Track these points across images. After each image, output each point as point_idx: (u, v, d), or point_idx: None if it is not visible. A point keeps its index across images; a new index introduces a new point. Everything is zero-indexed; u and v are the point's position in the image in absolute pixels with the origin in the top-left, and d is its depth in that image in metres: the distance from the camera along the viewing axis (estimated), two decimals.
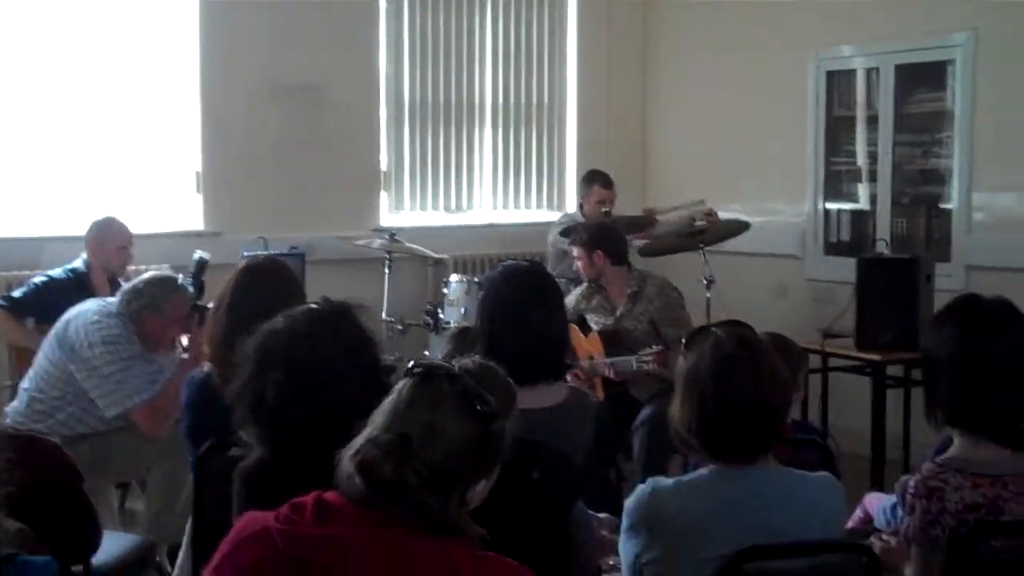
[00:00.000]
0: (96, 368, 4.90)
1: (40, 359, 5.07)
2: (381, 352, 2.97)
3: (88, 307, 5.11)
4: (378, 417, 2.23)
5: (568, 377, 5.53)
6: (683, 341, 2.98)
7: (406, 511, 2.12)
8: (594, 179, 7.86)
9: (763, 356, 2.84)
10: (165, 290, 5.09)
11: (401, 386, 2.24)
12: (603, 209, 7.67)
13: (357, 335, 2.90)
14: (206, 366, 3.95)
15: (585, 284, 6.41)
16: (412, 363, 2.29)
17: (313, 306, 2.97)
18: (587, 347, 6.15)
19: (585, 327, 6.31)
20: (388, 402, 2.24)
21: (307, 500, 2.17)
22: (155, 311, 5.02)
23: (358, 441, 2.19)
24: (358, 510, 2.13)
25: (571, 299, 6.39)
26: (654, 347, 5.71)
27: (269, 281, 3.99)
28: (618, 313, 6.23)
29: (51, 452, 3.41)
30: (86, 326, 4.96)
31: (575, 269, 6.56)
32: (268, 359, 2.84)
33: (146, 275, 5.29)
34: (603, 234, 6.35)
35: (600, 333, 6.19)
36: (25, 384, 5.11)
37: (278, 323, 2.90)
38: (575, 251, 6.38)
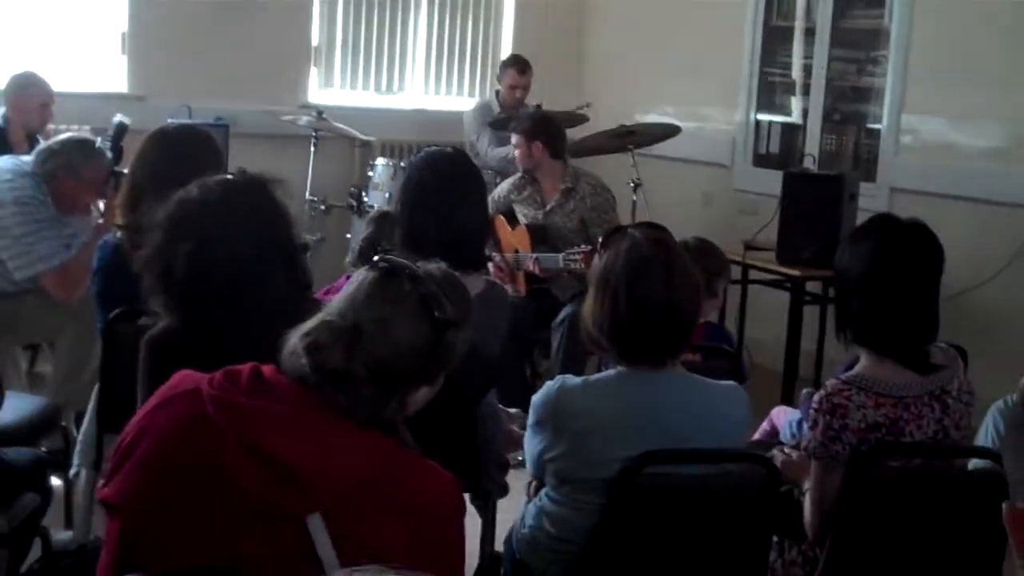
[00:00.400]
0: (7, 228, 4.80)
1: None
2: (295, 229, 2.93)
3: (2, 164, 4.99)
4: (335, 304, 2.20)
5: (490, 268, 5.56)
6: (599, 241, 2.97)
7: (346, 400, 2.10)
8: (509, 63, 7.89)
9: (677, 260, 2.84)
10: (83, 153, 4.97)
11: (363, 277, 2.21)
12: (516, 95, 7.72)
13: (272, 209, 2.85)
14: (118, 232, 3.88)
15: (519, 175, 6.36)
16: (377, 257, 2.25)
17: (228, 177, 2.91)
18: (513, 240, 6.13)
19: (513, 219, 6.28)
20: (347, 291, 2.21)
21: (243, 369, 2.15)
22: (71, 173, 4.91)
23: (312, 322, 2.17)
24: (295, 389, 2.11)
25: (503, 188, 6.38)
26: (582, 246, 5.70)
27: (186, 147, 3.90)
28: (548, 207, 6.19)
29: None
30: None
31: (505, 158, 6.51)
32: (179, 228, 2.78)
33: (63, 136, 5.17)
34: (545, 125, 6.27)
35: (528, 227, 6.16)
36: None
37: (191, 192, 2.84)
38: (513, 139, 6.31)
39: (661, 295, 2.78)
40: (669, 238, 2.91)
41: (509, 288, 6.02)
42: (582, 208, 6.10)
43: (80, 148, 4.99)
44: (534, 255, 5.91)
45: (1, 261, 4.83)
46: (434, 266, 2.29)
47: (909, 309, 3.01)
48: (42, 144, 5.16)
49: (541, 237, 6.07)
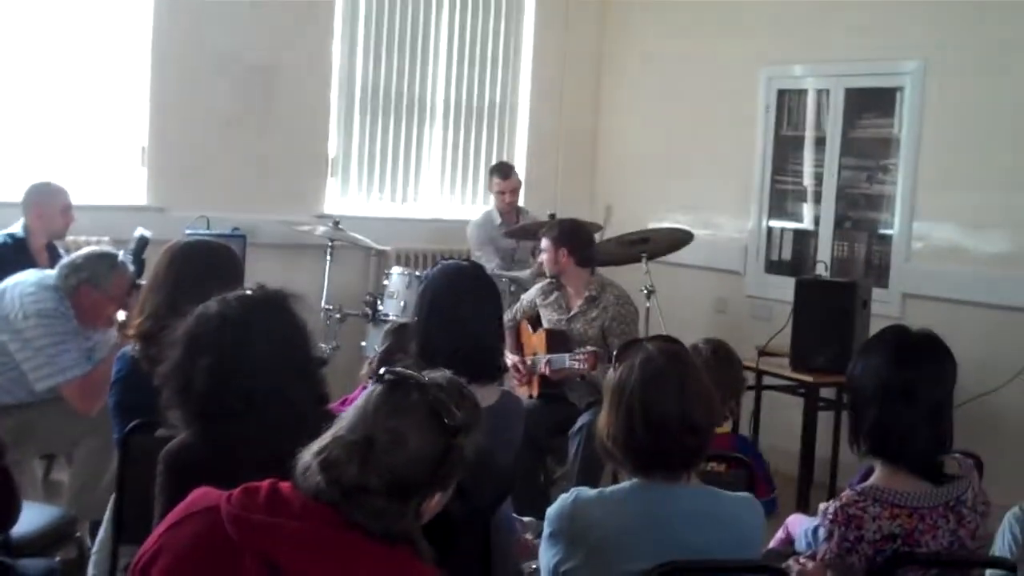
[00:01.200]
0: (29, 340, 4.84)
1: None
2: (314, 344, 2.97)
3: (26, 278, 5.05)
4: (345, 418, 2.23)
5: (509, 366, 5.63)
6: (614, 353, 2.99)
7: (362, 514, 2.12)
8: (493, 171, 8.14)
9: (691, 373, 2.86)
10: (105, 266, 5.03)
11: (371, 390, 2.25)
12: (506, 199, 7.91)
13: (290, 325, 2.90)
14: (136, 344, 3.92)
15: (547, 280, 6.41)
16: (384, 369, 2.29)
17: (248, 292, 2.96)
18: (533, 343, 6.16)
19: (537, 323, 6.36)
20: (357, 404, 2.24)
21: (261, 486, 2.18)
22: (94, 286, 4.97)
23: (324, 439, 2.20)
24: (312, 505, 2.13)
25: (532, 292, 6.47)
26: (588, 348, 5.73)
27: (202, 262, 3.95)
28: (571, 313, 6.21)
29: None
30: (22, 297, 4.90)
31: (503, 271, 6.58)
32: (198, 343, 2.82)
33: (86, 250, 5.23)
34: (572, 234, 6.30)
35: (547, 331, 6.20)
36: None
37: (211, 307, 2.88)
38: (543, 243, 6.33)
39: (675, 410, 2.80)
40: (684, 351, 2.94)
41: (524, 391, 6.05)
42: (604, 317, 6.11)
43: (103, 262, 5.04)
44: (546, 357, 5.94)
45: (23, 372, 4.87)
46: (439, 374, 2.32)
47: (922, 421, 3.02)
48: (66, 258, 5.22)
49: (559, 341, 6.09)
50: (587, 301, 6.18)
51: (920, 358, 3.07)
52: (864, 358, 3.18)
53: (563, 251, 6.20)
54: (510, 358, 6.01)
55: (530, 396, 6.05)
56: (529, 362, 6.07)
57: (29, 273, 5.13)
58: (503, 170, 8.04)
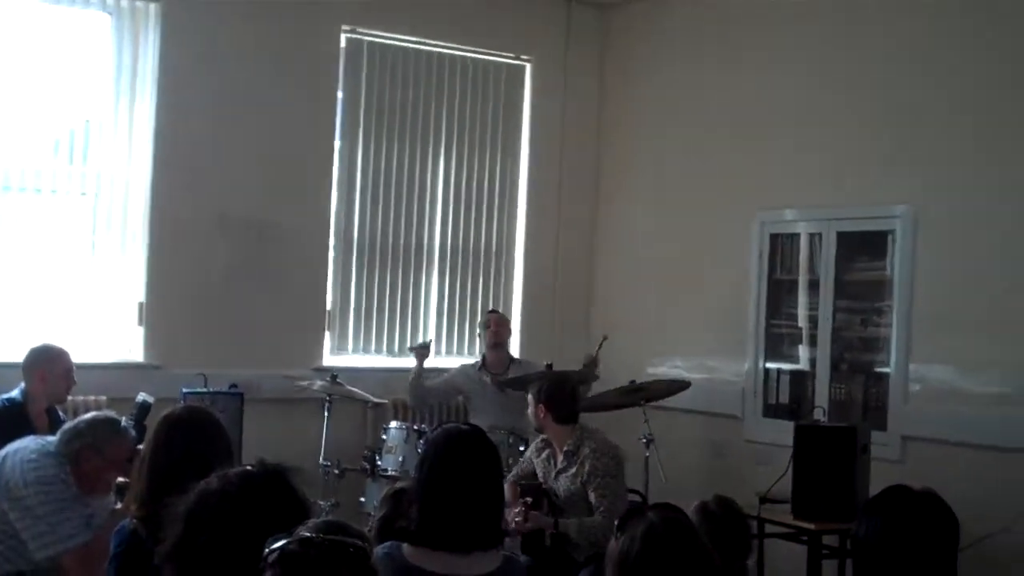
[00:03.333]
0: (30, 508, 4.79)
1: None
2: (314, 519, 2.95)
3: (27, 444, 5.02)
4: None
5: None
6: (616, 523, 2.97)
7: None
8: (482, 320, 8.31)
9: (694, 544, 2.84)
10: (107, 432, 5.00)
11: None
12: (491, 331, 8.05)
13: (291, 502, 2.88)
14: (133, 519, 3.90)
15: (540, 437, 6.50)
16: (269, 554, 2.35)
17: (248, 468, 2.95)
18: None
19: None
20: None
21: None
22: (95, 452, 4.93)
23: None
24: None
25: (532, 448, 6.54)
26: (522, 500, 5.88)
27: (190, 434, 3.95)
28: (557, 469, 6.26)
29: None
30: (22, 463, 4.87)
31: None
32: (199, 522, 2.81)
33: (90, 415, 5.19)
34: (552, 391, 6.38)
35: (518, 485, 6.27)
36: None
37: (212, 484, 2.87)
38: (528, 397, 6.47)
39: None
40: (685, 520, 2.93)
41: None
42: (581, 472, 6.13)
43: (105, 427, 5.01)
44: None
45: (22, 541, 4.82)
46: (310, 526, 2.40)
47: None
48: (68, 423, 5.20)
49: (536, 499, 6.11)
50: (566, 456, 6.24)
51: (921, 520, 3.06)
52: (866, 519, 3.16)
53: (540, 407, 6.31)
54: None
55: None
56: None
57: (30, 440, 5.11)
58: (491, 311, 8.29)
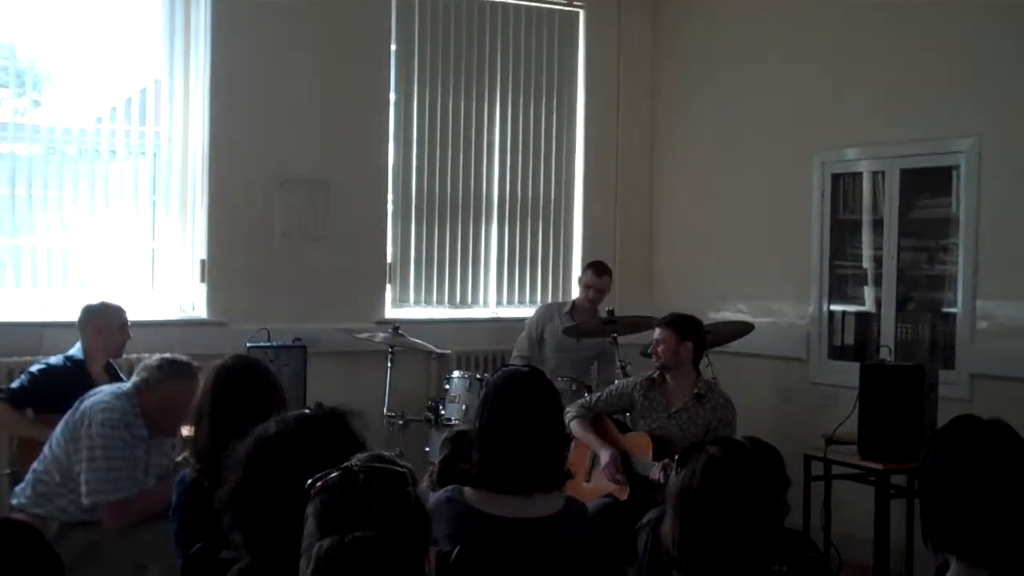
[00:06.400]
0: (90, 450, 4.83)
1: (51, 440, 5.02)
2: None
3: (104, 388, 5.11)
4: None
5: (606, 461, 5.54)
6: (675, 457, 2.94)
7: None
8: (587, 267, 8.16)
9: (755, 477, 2.81)
10: (174, 370, 5.03)
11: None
12: (589, 295, 7.95)
13: (349, 443, 2.87)
14: (193, 467, 3.93)
15: (648, 375, 6.19)
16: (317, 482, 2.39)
17: (306, 412, 2.95)
18: (627, 444, 6.00)
19: (622, 421, 6.22)
20: None
21: None
22: (160, 385, 4.97)
23: None
24: None
25: (628, 385, 6.24)
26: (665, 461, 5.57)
27: (245, 382, 3.98)
28: (673, 410, 6.02)
29: (31, 541, 3.34)
30: (94, 405, 4.92)
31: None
32: (258, 464, 2.81)
33: (158, 356, 5.21)
34: (697, 329, 6.14)
35: (652, 436, 5.97)
36: (35, 465, 5.06)
37: (270, 428, 2.87)
38: (658, 332, 6.12)
39: (738, 515, 2.74)
40: (746, 455, 2.89)
41: (608, 489, 5.89)
42: (711, 418, 5.94)
43: (174, 365, 5.05)
44: (656, 464, 5.73)
45: (78, 483, 4.85)
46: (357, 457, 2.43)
47: (994, 517, 2.93)
48: (145, 360, 5.22)
49: (667, 448, 5.80)
50: (694, 399, 6.01)
51: (989, 451, 2.99)
52: (933, 450, 3.09)
53: (687, 344, 6.02)
54: (605, 454, 5.90)
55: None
56: (638, 466, 5.88)
57: (108, 387, 5.17)
58: (596, 267, 8.05)
